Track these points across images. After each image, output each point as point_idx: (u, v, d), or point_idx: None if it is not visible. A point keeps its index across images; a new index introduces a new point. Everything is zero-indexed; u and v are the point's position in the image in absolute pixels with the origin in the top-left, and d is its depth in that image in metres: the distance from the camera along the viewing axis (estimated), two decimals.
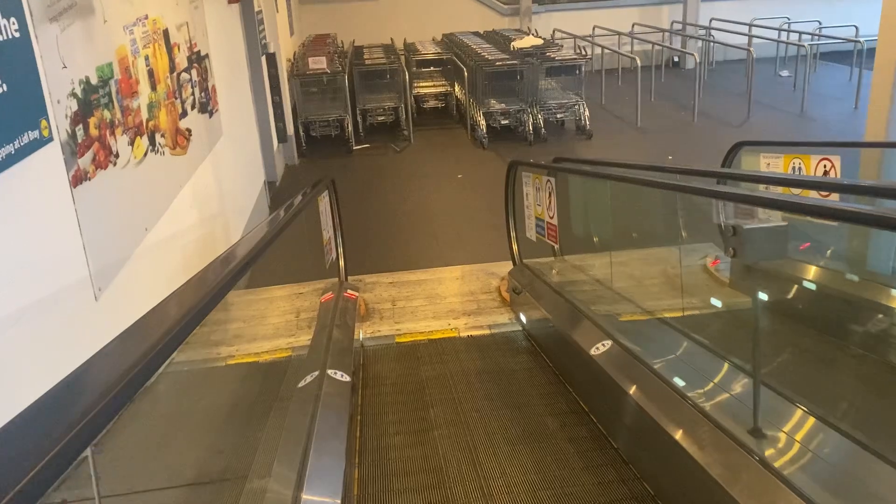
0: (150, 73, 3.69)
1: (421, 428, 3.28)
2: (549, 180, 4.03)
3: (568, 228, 4.37)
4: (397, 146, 9.75)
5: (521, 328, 4.54)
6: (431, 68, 11.26)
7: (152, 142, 3.59)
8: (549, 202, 4.05)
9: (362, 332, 4.65)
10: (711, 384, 2.50)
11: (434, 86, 11.35)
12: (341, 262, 4.98)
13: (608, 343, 3.10)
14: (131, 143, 3.27)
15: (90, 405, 1.03)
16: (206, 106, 4.90)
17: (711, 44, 13.61)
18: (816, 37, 12.78)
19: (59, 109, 2.54)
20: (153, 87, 3.70)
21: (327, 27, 13.45)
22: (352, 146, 9.57)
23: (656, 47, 12.61)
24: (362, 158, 9.37)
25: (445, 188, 8.01)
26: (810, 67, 10.65)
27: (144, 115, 3.51)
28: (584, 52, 10.13)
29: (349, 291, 4.54)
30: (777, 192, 3.29)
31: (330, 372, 3.00)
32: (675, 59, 14.47)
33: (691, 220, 4.58)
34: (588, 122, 9.58)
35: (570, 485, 2.64)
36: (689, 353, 2.87)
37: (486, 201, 7.50)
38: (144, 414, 2.47)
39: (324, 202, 4.11)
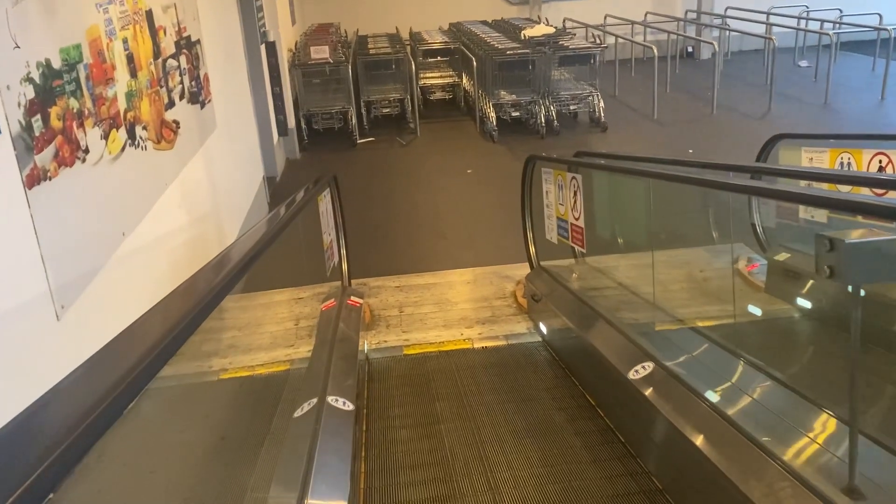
0: (130, 58, 3.29)
1: (435, 459, 2.89)
2: (574, 177, 3.63)
3: (591, 229, 3.97)
4: (403, 139, 9.35)
5: (540, 339, 4.15)
6: (438, 58, 10.84)
7: (132, 135, 3.20)
8: (575, 201, 3.65)
9: (367, 343, 4.26)
10: (782, 421, 2.11)
11: (441, 76, 10.93)
12: (344, 266, 4.60)
13: (649, 366, 2.70)
14: (105, 136, 2.88)
15: (41, 454, 0.84)
16: (198, 96, 4.51)
17: (728, 33, 13.16)
18: (838, 25, 12.31)
19: (9, 97, 2.15)
20: (133, 74, 3.31)
21: (330, 16, 13.02)
22: (356, 139, 9.17)
23: (671, 37, 12.16)
24: (366, 152, 8.97)
25: (454, 184, 7.61)
26: (832, 57, 10.19)
27: (122, 104, 3.12)
28: (599, 40, 9.70)
29: (353, 298, 4.15)
30: (822, 188, 2.88)
31: (330, 400, 2.62)
32: (689, 49, 14.02)
33: (728, 218, 4.19)
34: (603, 114, 9.16)
35: None
36: (747, 379, 2.47)
37: (496, 198, 7.10)
38: (110, 456, 2.10)
39: (324, 202, 3.71)
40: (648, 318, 3.51)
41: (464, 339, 4.23)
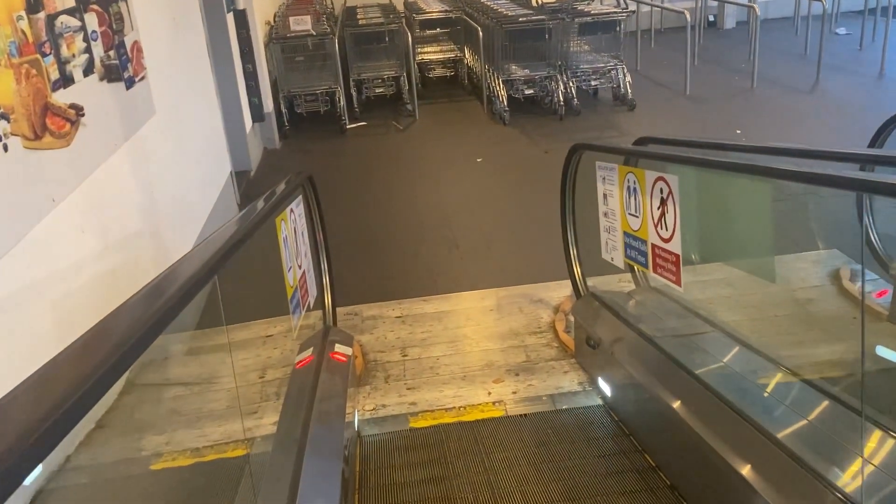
0: None
1: None
2: (662, 179, 2.43)
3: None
4: (399, 124, 8.13)
5: (601, 402, 2.98)
6: (438, 30, 9.58)
7: None
8: (663, 213, 2.46)
9: (360, 409, 3.09)
10: None
11: (441, 51, 9.67)
12: (327, 298, 3.42)
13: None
14: None
15: None
16: (120, 71, 3.29)
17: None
18: None
19: None
20: None
21: None
22: (345, 125, 7.95)
23: (698, 3, 10.90)
24: (358, 139, 7.75)
25: (462, 176, 6.40)
26: (880, 22, 8.96)
27: None
28: (624, 4, 8.45)
29: (338, 350, 2.97)
30: None
31: None
32: (711, 17, 12.76)
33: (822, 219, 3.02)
34: (630, 90, 7.93)
35: None
36: None
37: (515, 193, 5.90)
38: None
39: (290, 220, 2.53)
40: (782, 383, 2.34)
41: (493, 403, 3.06)
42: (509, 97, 7.84)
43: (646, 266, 2.69)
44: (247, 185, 6.34)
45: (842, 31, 11.30)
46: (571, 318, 3.66)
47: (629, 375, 2.71)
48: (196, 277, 1.42)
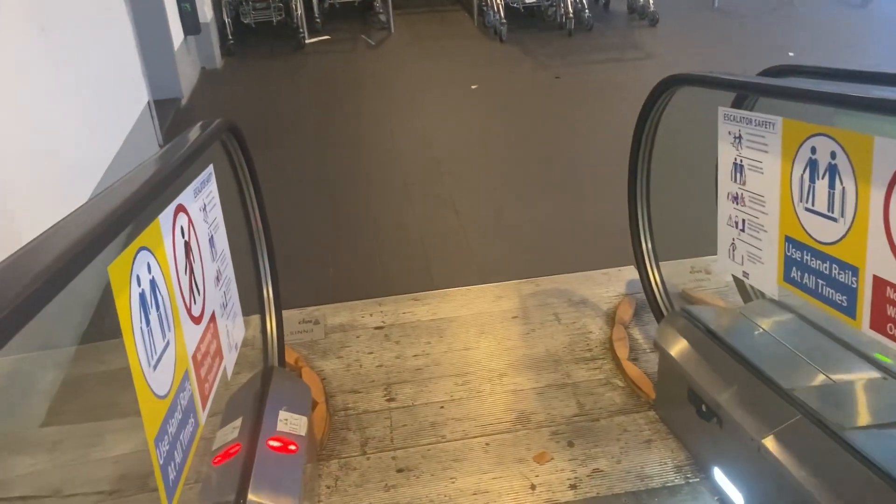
0: None
1: None
2: None
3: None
4: (371, 38, 6.66)
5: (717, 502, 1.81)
6: None
7: None
8: None
9: None
10: None
11: None
12: (271, 324, 2.14)
13: None
14: None
15: None
16: None
17: None
18: None
19: None
20: None
21: None
22: (303, 39, 6.46)
23: None
24: (319, 58, 6.28)
25: (454, 109, 5.05)
26: None
27: None
28: None
29: (284, 428, 1.73)
30: None
31: None
32: None
33: None
34: (651, 1, 6.54)
35: None
36: None
37: (524, 133, 4.58)
38: None
39: (182, 231, 1.23)
40: None
41: None
42: (506, 7, 6.39)
43: (848, 313, 1.46)
44: (176, 116, 4.92)
45: None
46: (634, 336, 2.46)
47: (799, 491, 1.53)
48: None
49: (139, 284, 1.02)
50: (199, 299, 1.35)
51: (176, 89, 5.05)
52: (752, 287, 2.25)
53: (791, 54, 5.60)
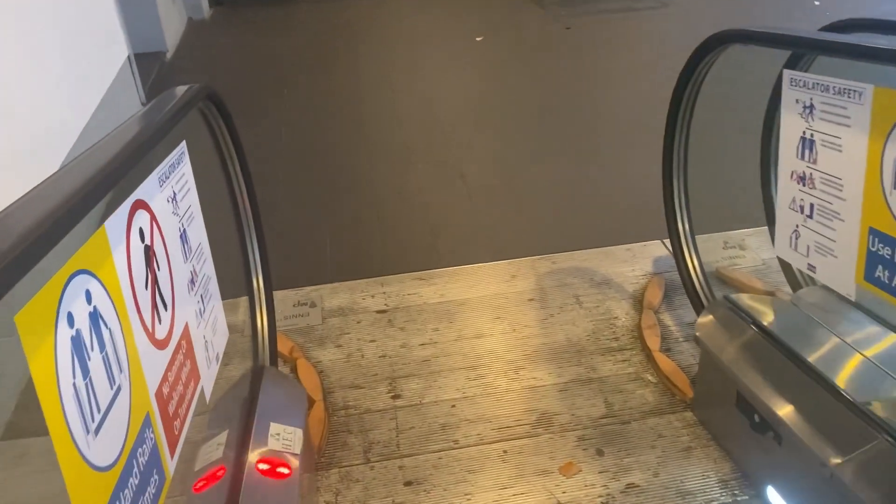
0: None
1: None
2: None
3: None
4: None
5: None
6: None
7: None
8: None
9: None
10: None
11: None
12: (262, 319, 1.89)
13: None
14: None
15: None
16: None
17: None
18: None
19: None
20: None
21: None
22: None
23: None
24: (314, 7, 5.90)
25: (458, 62, 4.72)
26: None
27: None
28: None
29: (275, 447, 1.50)
30: None
31: None
32: None
33: None
34: None
35: None
36: None
37: (533, 90, 4.26)
38: None
39: (142, 236, 0.96)
40: None
41: None
42: None
43: None
44: (161, 71, 4.59)
45: None
46: (665, 322, 2.21)
47: None
48: None
49: (71, 325, 0.76)
50: (165, 316, 1.10)
51: (160, 42, 4.70)
52: (800, 272, 2.00)
53: (817, 3, 5.24)
